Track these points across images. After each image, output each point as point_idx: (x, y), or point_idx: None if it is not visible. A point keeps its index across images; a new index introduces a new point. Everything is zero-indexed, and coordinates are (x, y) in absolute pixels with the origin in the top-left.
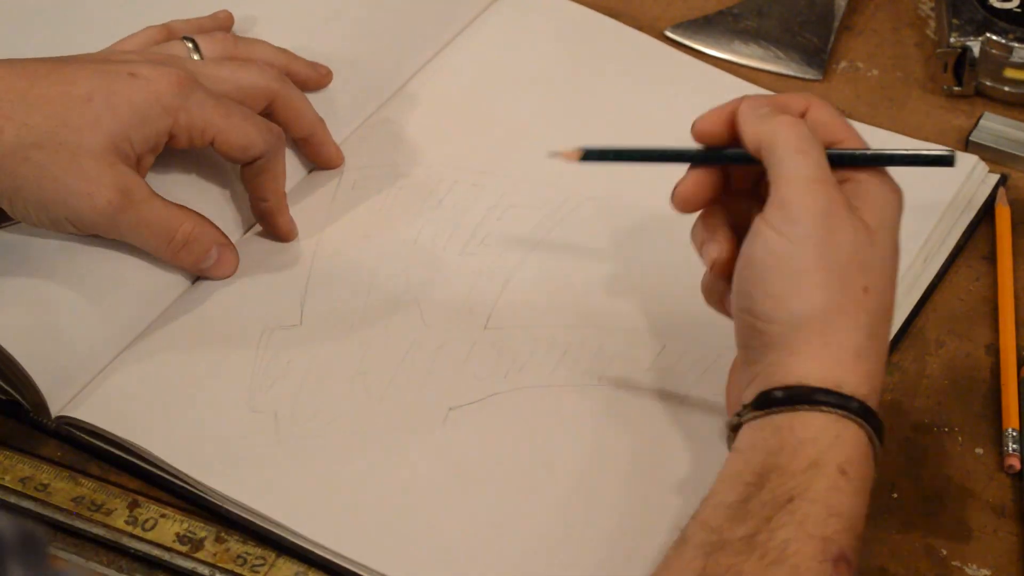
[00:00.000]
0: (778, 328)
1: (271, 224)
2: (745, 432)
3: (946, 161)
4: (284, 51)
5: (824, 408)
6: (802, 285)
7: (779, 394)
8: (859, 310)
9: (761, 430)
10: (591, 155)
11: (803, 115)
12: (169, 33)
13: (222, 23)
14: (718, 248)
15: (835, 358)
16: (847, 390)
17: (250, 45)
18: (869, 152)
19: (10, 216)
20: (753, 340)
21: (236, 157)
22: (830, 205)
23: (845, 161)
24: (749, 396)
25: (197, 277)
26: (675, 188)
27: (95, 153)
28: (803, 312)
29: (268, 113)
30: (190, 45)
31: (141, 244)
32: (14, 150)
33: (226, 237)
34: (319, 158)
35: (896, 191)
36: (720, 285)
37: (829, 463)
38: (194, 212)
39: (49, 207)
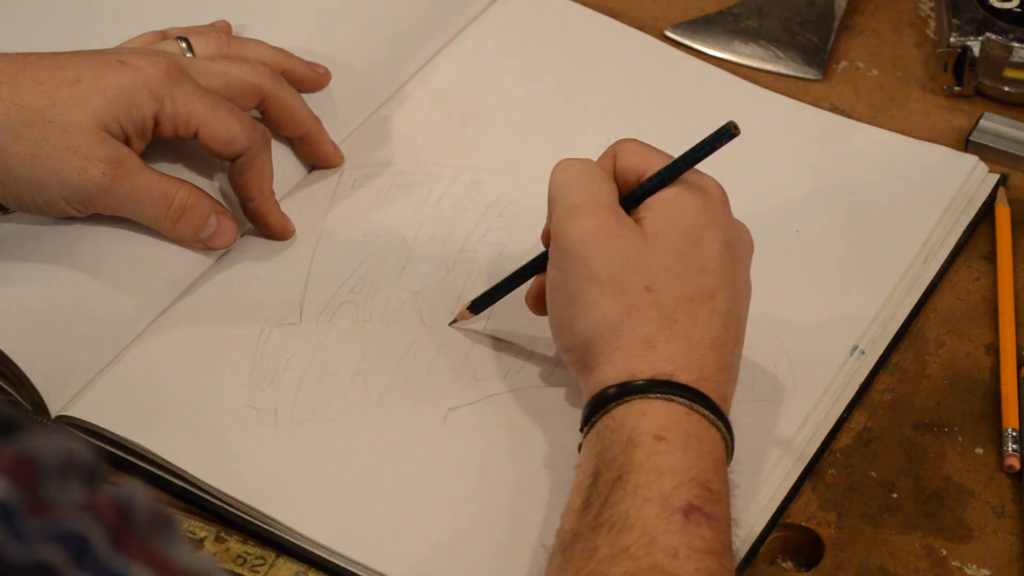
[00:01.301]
0: (577, 353)
1: (262, 223)
2: (582, 450)
3: (726, 133)
4: (280, 50)
5: (622, 400)
6: (579, 308)
7: (587, 409)
8: (645, 308)
9: (588, 442)
10: (476, 305)
11: (615, 164)
12: (165, 37)
13: (219, 31)
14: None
15: (625, 355)
16: (641, 375)
17: (244, 44)
18: (652, 178)
19: (5, 205)
20: (573, 371)
21: (219, 151)
22: (594, 224)
23: (640, 195)
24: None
25: (197, 279)
26: (526, 296)
27: (84, 129)
28: (587, 330)
29: (260, 111)
30: (183, 44)
31: (139, 215)
32: (5, 129)
33: (222, 206)
34: (317, 157)
35: (694, 193)
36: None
37: (642, 435)
38: (188, 182)
39: (43, 185)
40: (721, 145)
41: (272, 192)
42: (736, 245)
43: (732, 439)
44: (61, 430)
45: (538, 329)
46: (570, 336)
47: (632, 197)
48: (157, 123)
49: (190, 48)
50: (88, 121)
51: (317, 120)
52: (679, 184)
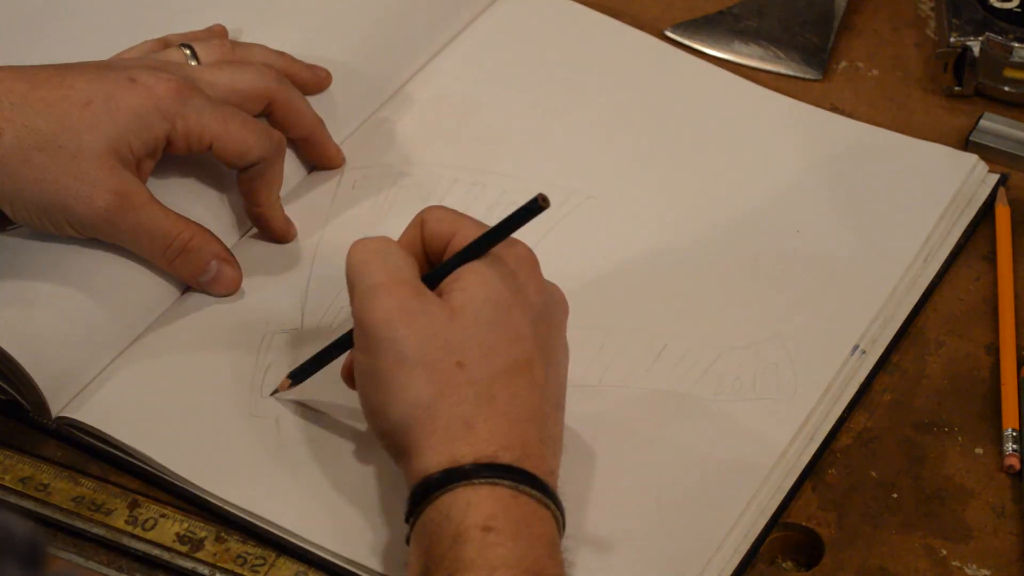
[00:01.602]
0: (393, 439)
1: (266, 227)
2: (410, 543)
3: (535, 207)
4: (282, 54)
5: (446, 488)
6: (391, 391)
7: (411, 499)
8: (459, 385)
9: (416, 537)
10: (296, 376)
11: (422, 232)
12: (166, 45)
13: (217, 35)
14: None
15: (443, 438)
16: (463, 460)
17: (247, 49)
18: (458, 254)
19: (12, 220)
20: (392, 456)
21: (234, 163)
22: (394, 307)
23: (443, 272)
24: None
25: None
26: (341, 370)
27: (94, 156)
28: (402, 414)
29: (267, 114)
30: (187, 52)
31: (138, 249)
32: (14, 152)
33: (229, 253)
34: (319, 159)
35: (501, 261)
36: None
37: (469, 528)
38: (196, 224)
39: (49, 209)
40: (529, 219)
41: (278, 198)
42: (550, 310)
43: (563, 515)
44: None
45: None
46: (384, 421)
47: (436, 275)
48: (169, 142)
49: (194, 55)
50: (99, 147)
51: (320, 121)
52: (486, 255)
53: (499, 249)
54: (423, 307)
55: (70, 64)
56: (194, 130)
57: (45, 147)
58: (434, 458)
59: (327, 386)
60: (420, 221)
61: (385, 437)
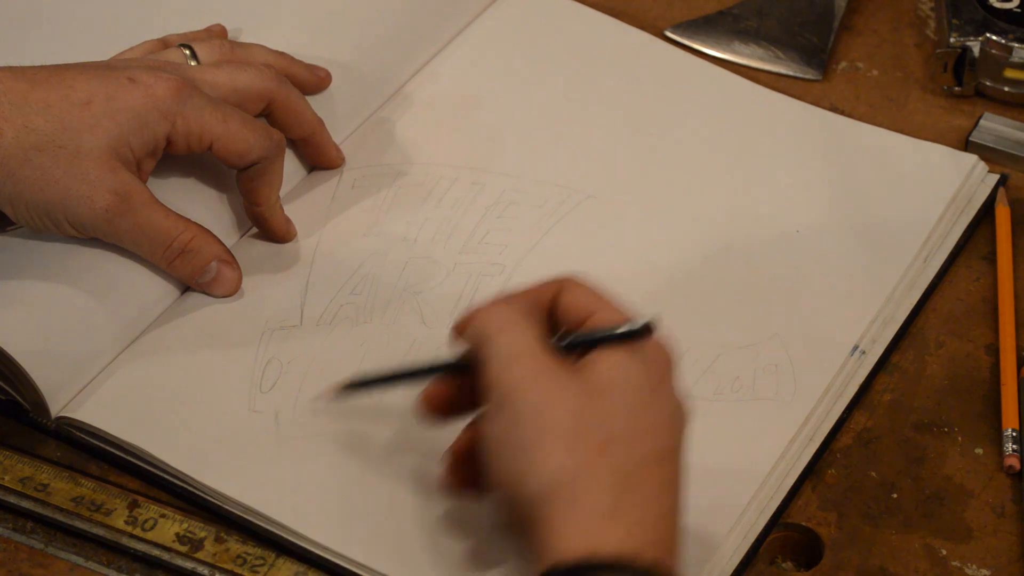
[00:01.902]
0: (522, 512)
1: (265, 227)
2: None
3: (636, 334)
4: (282, 54)
5: None
6: (531, 460)
7: None
8: (600, 469)
9: None
10: (356, 387)
11: (555, 298)
12: (166, 45)
13: (216, 35)
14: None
15: (583, 523)
16: (603, 553)
17: (247, 49)
18: (606, 332)
19: (12, 221)
20: (511, 533)
21: (234, 163)
22: (535, 375)
23: (587, 341)
24: None
25: None
26: (422, 398)
27: (95, 156)
28: (540, 486)
29: (267, 114)
30: (187, 52)
31: (138, 250)
32: (14, 152)
33: (230, 255)
34: (319, 158)
35: (646, 352)
36: (456, 479)
37: None
38: (197, 224)
39: (50, 209)
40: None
41: (278, 198)
42: (681, 412)
43: None
44: None
45: None
46: (517, 491)
47: (576, 342)
48: (169, 141)
49: (194, 55)
50: (99, 147)
51: (320, 122)
52: (628, 344)
53: (644, 342)
54: (568, 383)
55: (69, 64)
56: (194, 130)
57: (45, 147)
58: (570, 544)
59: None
60: (557, 289)
61: (514, 509)
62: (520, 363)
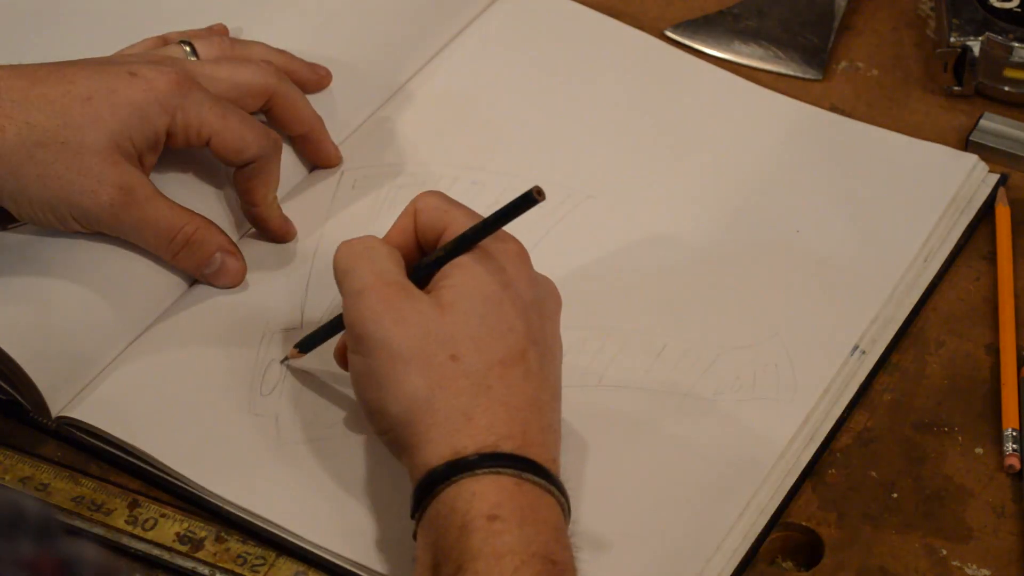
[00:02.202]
0: (393, 435)
1: (263, 228)
2: (417, 539)
3: (530, 199)
4: (282, 52)
5: (450, 481)
6: (387, 388)
7: (416, 493)
8: (455, 378)
9: (423, 531)
10: (304, 345)
11: (415, 222)
12: (166, 42)
13: (217, 33)
14: None
15: (444, 431)
16: (466, 451)
17: (247, 46)
18: (447, 246)
19: (16, 217)
20: (394, 454)
21: (231, 159)
22: (381, 307)
23: (432, 266)
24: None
25: (198, 282)
26: (334, 351)
27: (98, 151)
28: (401, 410)
29: (266, 111)
30: (187, 48)
31: (142, 242)
32: (17, 149)
33: (234, 245)
34: (317, 156)
35: (491, 255)
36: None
37: (475, 518)
38: (201, 216)
39: (54, 205)
40: (522, 212)
41: (276, 198)
42: (542, 302)
43: (568, 501)
44: (7, 489)
45: None
46: (383, 419)
47: (423, 270)
48: (169, 135)
49: (194, 52)
50: (101, 142)
51: (319, 119)
52: (475, 248)
53: (488, 243)
54: (413, 305)
55: (69, 61)
56: (193, 123)
57: (48, 143)
58: (436, 451)
59: (331, 361)
60: (413, 211)
61: (386, 435)
62: (365, 296)
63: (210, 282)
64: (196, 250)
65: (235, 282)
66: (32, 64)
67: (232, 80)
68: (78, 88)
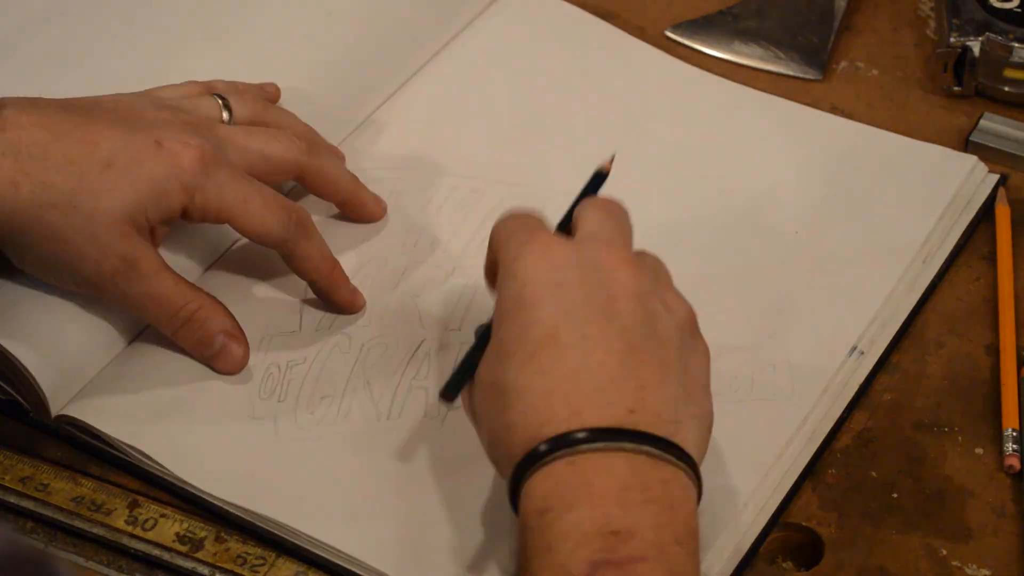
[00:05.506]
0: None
1: (327, 301)
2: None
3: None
4: (308, 128)
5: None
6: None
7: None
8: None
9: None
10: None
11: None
12: (209, 90)
13: (269, 95)
14: None
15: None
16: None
17: (280, 114)
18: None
19: (17, 267)
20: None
21: (254, 240)
22: (542, 252)
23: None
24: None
25: (197, 278)
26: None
27: (109, 220)
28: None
29: (298, 181)
30: (220, 102)
31: (144, 315)
32: (28, 208)
33: (238, 329)
34: (360, 218)
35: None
36: None
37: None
38: (206, 295)
39: (56, 266)
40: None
41: (332, 269)
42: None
43: (664, 445)
44: None
45: None
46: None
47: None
48: (185, 213)
49: (227, 107)
50: (115, 212)
51: (356, 180)
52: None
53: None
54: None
55: (97, 110)
56: (212, 206)
57: (60, 205)
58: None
59: None
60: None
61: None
62: (530, 244)
63: (210, 365)
64: (197, 329)
65: (235, 369)
66: (58, 110)
67: (262, 152)
68: (100, 152)
